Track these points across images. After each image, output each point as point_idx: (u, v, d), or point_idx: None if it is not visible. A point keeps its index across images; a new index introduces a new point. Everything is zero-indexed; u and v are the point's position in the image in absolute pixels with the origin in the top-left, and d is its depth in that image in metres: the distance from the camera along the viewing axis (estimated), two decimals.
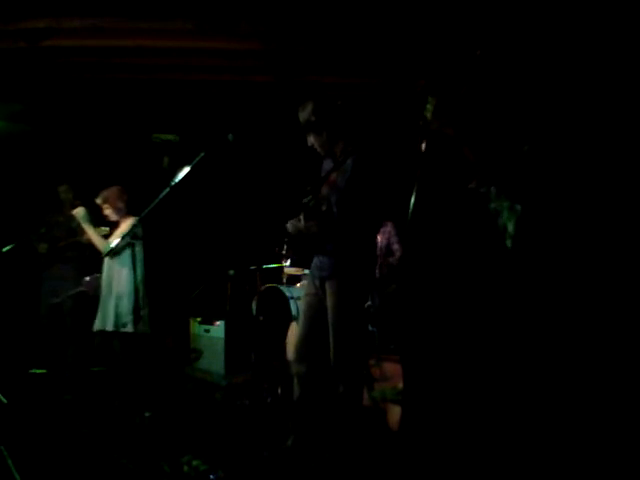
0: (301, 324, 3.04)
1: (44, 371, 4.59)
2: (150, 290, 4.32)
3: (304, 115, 2.98)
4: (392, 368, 3.87)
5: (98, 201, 4.21)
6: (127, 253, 4.13)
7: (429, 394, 2.16)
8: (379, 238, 5.71)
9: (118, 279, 4.10)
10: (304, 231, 2.91)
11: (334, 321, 2.85)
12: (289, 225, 2.98)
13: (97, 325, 4.12)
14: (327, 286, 2.89)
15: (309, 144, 3.03)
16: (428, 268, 2.21)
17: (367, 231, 2.96)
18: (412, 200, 2.16)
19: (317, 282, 2.95)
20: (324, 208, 2.93)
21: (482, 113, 2.25)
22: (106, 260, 4.16)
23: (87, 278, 4.64)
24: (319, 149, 3.03)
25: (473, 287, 2.16)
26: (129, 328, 4.02)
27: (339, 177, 2.92)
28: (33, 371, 4.59)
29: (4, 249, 4.02)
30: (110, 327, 4.03)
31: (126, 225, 4.14)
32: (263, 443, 3.13)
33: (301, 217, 2.88)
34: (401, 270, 2.20)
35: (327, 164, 3.11)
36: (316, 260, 3.00)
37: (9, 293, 5.02)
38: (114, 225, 4.28)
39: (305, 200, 2.81)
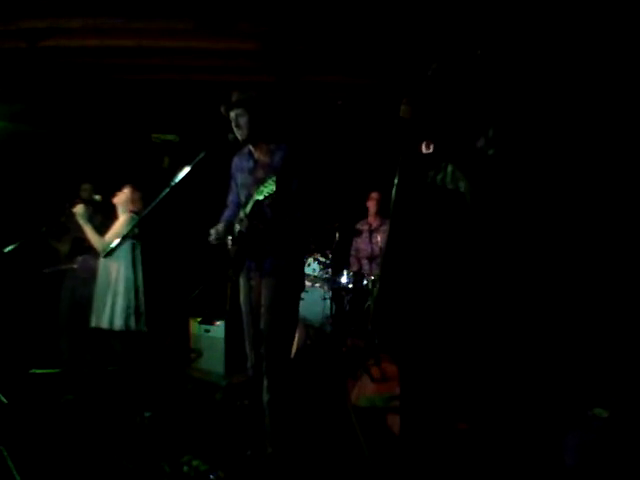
0: (246, 324, 3.01)
1: (57, 370, 4.60)
2: (150, 290, 4.32)
3: (246, 93, 2.88)
4: (392, 368, 3.87)
5: (128, 186, 4.23)
6: (127, 252, 4.14)
7: (426, 394, 2.17)
8: (379, 237, 5.72)
9: (117, 278, 4.10)
10: (244, 232, 2.83)
11: (269, 318, 2.87)
12: (213, 232, 2.95)
13: (94, 322, 4.11)
14: (263, 285, 2.89)
15: (236, 126, 2.88)
16: (415, 265, 2.22)
17: (300, 230, 2.94)
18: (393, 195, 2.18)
19: (252, 283, 2.93)
20: (255, 209, 2.82)
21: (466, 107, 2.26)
22: (102, 259, 4.15)
23: (80, 258, 4.63)
24: (243, 135, 2.89)
25: (458, 280, 2.17)
26: (129, 327, 4.03)
27: (268, 174, 2.80)
28: (33, 371, 4.58)
29: (6, 249, 4.01)
30: (105, 325, 4.02)
31: (120, 222, 4.15)
32: (263, 443, 3.12)
33: (243, 217, 2.81)
34: (385, 267, 2.21)
35: (243, 160, 3.03)
36: (249, 261, 2.95)
37: (17, 293, 5.02)
38: (111, 214, 4.29)
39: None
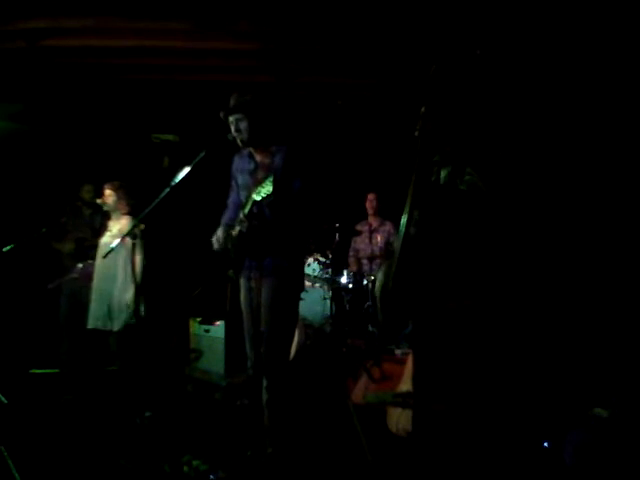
0: (246, 324, 3.00)
1: (56, 370, 4.61)
2: (150, 289, 4.32)
3: (244, 97, 2.87)
4: (392, 368, 3.87)
5: (109, 186, 4.18)
6: (128, 254, 4.13)
7: (440, 392, 2.16)
8: (378, 238, 5.72)
9: (124, 280, 4.10)
10: (243, 232, 2.82)
11: (269, 318, 2.87)
12: (215, 239, 2.95)
13: (93, 323, 4.10)
14: (263, 285, 2.89)
15: (236, 130, 2.86)
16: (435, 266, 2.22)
17: (301, 230, 2.95)
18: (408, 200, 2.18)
19: (252, 283, 2.92)
20: (254, 210, 2.81)
21: (474, 111, 2.26)
22: (101, 259, 4.14)
23: (80, 265, 4.64)
24: (243, 139, 2.88)
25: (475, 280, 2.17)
26: (136, 326, 4.05)
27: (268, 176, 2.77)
28: (33, 371, 4.59)
29: (4, 249, 4.01)
30: (116, 327, 4.03)
31: (121, 224, 4.14)
32: (263, 443, 3.13)
33: (242, 217, 2.80)
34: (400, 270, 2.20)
35: (244, 161, 3.01)
36: (249, 261, 2.94)
37: (17, 294, 5.02)
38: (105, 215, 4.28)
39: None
